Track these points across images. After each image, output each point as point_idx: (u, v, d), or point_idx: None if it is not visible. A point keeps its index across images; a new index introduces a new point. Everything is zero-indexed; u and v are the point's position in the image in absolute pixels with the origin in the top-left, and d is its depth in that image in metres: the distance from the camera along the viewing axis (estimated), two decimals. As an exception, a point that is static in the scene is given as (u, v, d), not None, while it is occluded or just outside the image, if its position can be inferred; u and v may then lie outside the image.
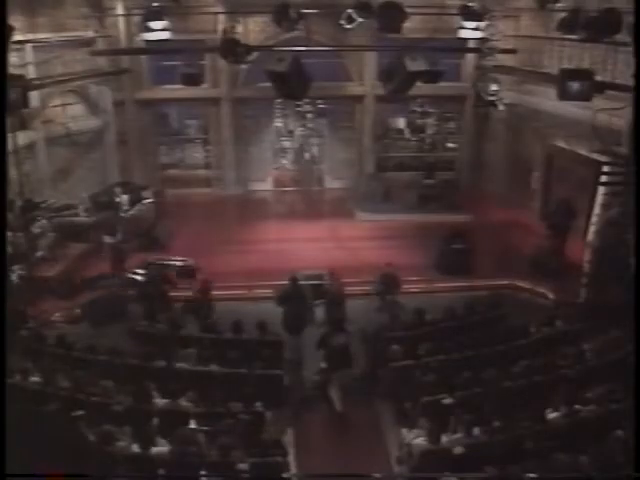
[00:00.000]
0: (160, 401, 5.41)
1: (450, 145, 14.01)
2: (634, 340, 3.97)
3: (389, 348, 6.26)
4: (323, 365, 6.48)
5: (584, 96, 6.41)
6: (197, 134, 13.70)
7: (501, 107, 8.70)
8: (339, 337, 6.42)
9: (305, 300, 7.23)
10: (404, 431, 5.25)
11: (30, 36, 9.55)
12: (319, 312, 7.53)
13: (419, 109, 13.70)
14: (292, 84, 6.47)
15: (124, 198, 10.73)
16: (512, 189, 11.90)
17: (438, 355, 6.06)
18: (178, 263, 8.76)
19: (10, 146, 7.48)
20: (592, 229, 7.76)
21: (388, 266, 8.13)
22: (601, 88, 6.57)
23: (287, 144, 13.75)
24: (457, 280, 8.89)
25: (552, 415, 4.98)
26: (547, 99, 9.13)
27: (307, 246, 10.07)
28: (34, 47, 9.72)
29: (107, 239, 9.25)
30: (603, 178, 7.33)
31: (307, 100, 12.99)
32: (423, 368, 5.88)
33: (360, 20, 7.59)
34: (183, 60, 9.21)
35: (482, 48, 8.74)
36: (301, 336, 6.96)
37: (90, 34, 11.18)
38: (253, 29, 12.20)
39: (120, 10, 11.46)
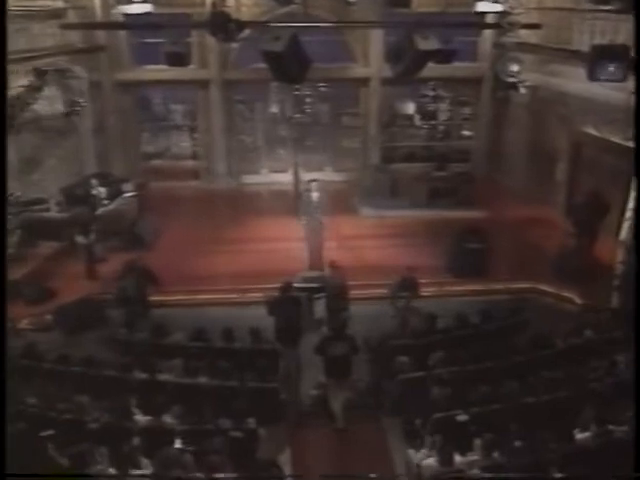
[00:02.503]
0: (141, 418, 5.40)
1: (465, 133, 14.02)
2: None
3: (396, 358, 6.23)
4: (322, 379, 6.50)
5: (618, 76, 6.23)
6: (183, 120, 13.72)
7: (523, 90, 8.67)
8: (340, 344, 6.42)
9: (300, 309, 7.22)
10: (413, 451, 5.25)
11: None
12: (318, 310, 7.52)
13: (431, 93, 13.71)
14: (289, 65, 6.45)
15: (102, 191, 10.71)
16: (534, 182, 11.88)
17: (451, 366, 6.09)
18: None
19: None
20: (625, 226, 7.71)
21: (409, 270, 8.04)
22: (638, 67, 6.37)
23: (284, 132, 13.75)
24: (472, 283, 8.90)
25: (581, 435, 4.96)
26: (575, 80, 9.07)
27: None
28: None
29: (79, 239, 9.21)
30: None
31: (306, 83, 12.96)
32: (434, 381, 5.89)
33: (365, -8, 7.61)
34: (167, 37, 9.14)
35: (501, 23, 8.68)
36: (297, 346, 6.98)
37: (60, 4, 10.93)
38: (246, 2, 12.20)
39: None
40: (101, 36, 12.18)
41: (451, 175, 12.64)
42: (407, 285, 8.02)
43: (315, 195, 8.83)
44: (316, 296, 7.92)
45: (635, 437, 3.69)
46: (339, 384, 6.43)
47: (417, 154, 13.85)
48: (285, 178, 13.72)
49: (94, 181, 10.83)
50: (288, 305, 7.12)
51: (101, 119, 12.56)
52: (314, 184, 8.89)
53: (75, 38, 11.44)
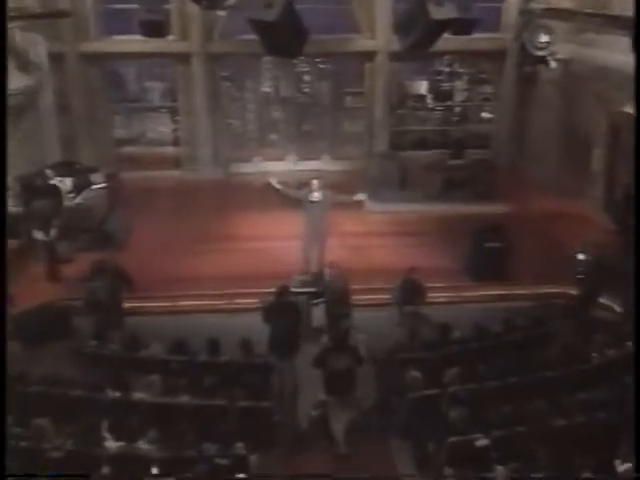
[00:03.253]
0: (112, 444, 5.37)
1: (485, 115, 14.06)
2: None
3: (406, 373, 6.23)
4: (322, 396, 6.51)
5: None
6: (161, 101, 13.75)
7: (553, 64, 8.66)
8: (342, 356, 6.44)
9: (300, 316, 7.23)
10: (425, 480, 5.26)
11: None
12: (317, 317, 7.53)
13: (446, 69, 13.78)
14: (283, 37, 6.42)
15: (67, 182, 10.65)
16: (566, 171, 11.89)
17: (469, 383, 6.07)
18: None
19: None
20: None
21: (411, 271, 8.22)
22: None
23: (278, 114, 13.72)
24: (493, 288, 8.93)
25: (623, 467, 4.86)
26: (615, 52, 8.99)
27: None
28: None
29: (38, 235, 9.16)
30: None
31: (303, 58, 12.96)
32: (450, 399, 5.88)
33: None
34: (142, 3, 9.13)
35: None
36: (295, 359, 7.00)
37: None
38: (233, -37, 12.25)
39: None
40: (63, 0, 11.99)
41: (469, 163, 12.69)
42: (410, 289, 8.10)
43: (316, 195, 8.81)
44: (314, 301, 7.92)
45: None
46: (341, 402, 6.43)
47: (430, 140, 13.90)
48: (279, 167, 13.78)
49: (57, 170, 10.75)
50: (286, 311, 7.13)
51: (65, 98, 12.47)
52: (315, 182, 8.84)
53: (32, 1, 11.17)
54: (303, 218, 8.90)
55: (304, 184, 9.14)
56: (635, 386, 4.51)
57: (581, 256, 8.07)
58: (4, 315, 4.08)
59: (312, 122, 13.90)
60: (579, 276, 8.12)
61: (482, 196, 11.78)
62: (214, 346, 6.70)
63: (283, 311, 7.12)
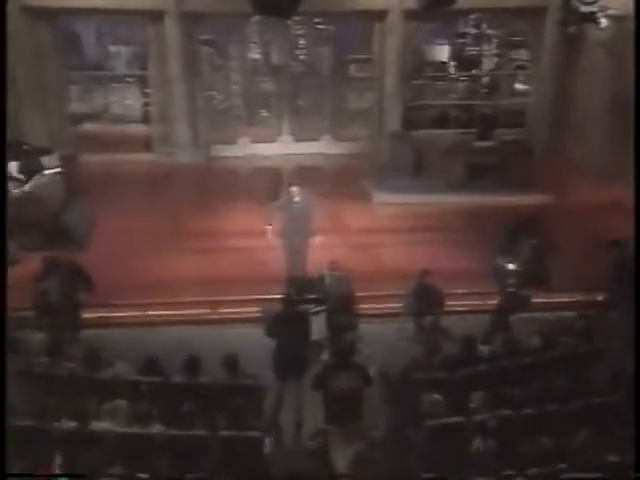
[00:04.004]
0: (69, 483, 5.36)
1: (519, 87, 14.08)
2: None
3: (424, 397, 6.23)
4: (322, 425, 6.51)
5: None
6: (129, 68, 13.75)
7: (604, 22, 8.56)
8: (346, 375, 6.42)
9: (308, 328, 7.26)
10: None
11: None
12: (316, 328, 7.57)
13: (472, 31, 13.77)
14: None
15: (12, 166, 10.64)
16: (616, 154, 11.89)
17: (500, 409, 6.04)
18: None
19: None
20: None
21: (428, 275, 8.27)
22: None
23: (269, 86, 13.72)
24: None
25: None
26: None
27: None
28: None
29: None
30: None
31: (298, 18, 12.93)
32: (476, 429, 5.86)
33: None
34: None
35: None
36: (302, 382, 7.02)
37: None
38: None
39: None
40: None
41: (499, 145, 12.73)
42: (426, 295, 8.15)
43: (298, 204, 8.86)
44: (313, 310, 7.95)
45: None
46: (345, 432, 6.42)
47: (452, 116, 14.00)
48: (270, 150, 13.77)
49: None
50: (294, 323, 7.12)
51: (7, 63, 12.34)
52: (295, 189, 8.88)
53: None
54: (283, 218, 8.99)
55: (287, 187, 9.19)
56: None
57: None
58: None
59: (310, 96, 13.97)
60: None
61: (515, 184, 11.81)
62: (193, 364, 6.65)
63: (291, 323, 7.12)
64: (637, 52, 6.34)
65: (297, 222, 8.89)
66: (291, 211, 8.91)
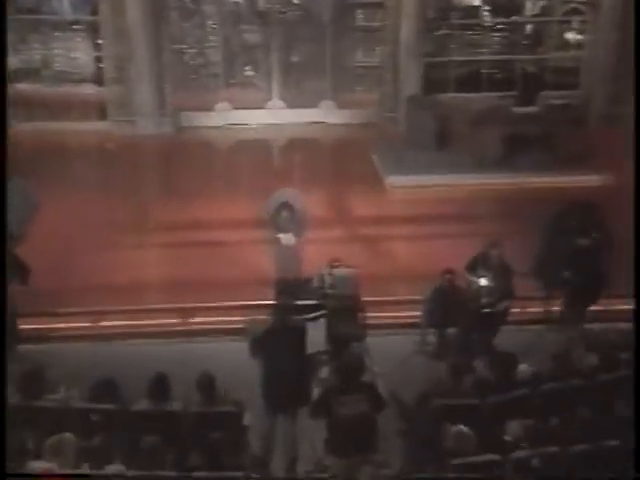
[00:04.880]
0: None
1: (572, 37, 13.93)
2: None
3: (448, 428, 6.23)
4: (323, 459, 6.50)
5: None
6: (76, 13, 13.65)
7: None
8: (351, 398, 6.40)
9: (304, 347, 7.24)
10: None
11: None
12: (313, 338, 7.57)
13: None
14: None
15: None
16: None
17: (544, 444, 5.97)
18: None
19: None
20: None
21: (451, 275, 8.26)
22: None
23: (254, 37, 13.65)
24: (579, 301, 8.80)
25: None
26: None
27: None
28: None
29: None
30: None
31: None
32: (515, 469, 5.80)
33: None
34: None
35: None
36: (296, 414, 7.03)
37: None
38: None
39: None
40: None
41: (544, 112, 12.73)
42: (449, 301, 8.17)
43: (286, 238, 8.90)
44: (310, 316, 7.95)
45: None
46: (350, 467, 6.37)
47: (485, 76, 13.85)
48: (256, 118, 13.72)
49: None
50: (288, 341, 7.04)
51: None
52: (285, 215, 8.91)
53: None
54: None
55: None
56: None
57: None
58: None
59: (306, 50, 13.84)
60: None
61: (564, 161, 11.76)
62: (159, 387, 6.58)
63: (282, 338, 7.05)
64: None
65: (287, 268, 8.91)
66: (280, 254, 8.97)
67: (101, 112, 13.72)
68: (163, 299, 9.11)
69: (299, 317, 7.63)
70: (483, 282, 8.16)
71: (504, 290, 8.22)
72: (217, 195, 11.50)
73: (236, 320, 8.23)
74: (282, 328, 7.10)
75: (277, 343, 7.00)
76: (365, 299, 8.20)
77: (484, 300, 8.15)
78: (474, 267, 8.24)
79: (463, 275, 8.29)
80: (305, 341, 7.28)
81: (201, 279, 9.37)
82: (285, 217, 8.92)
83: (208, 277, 9.39)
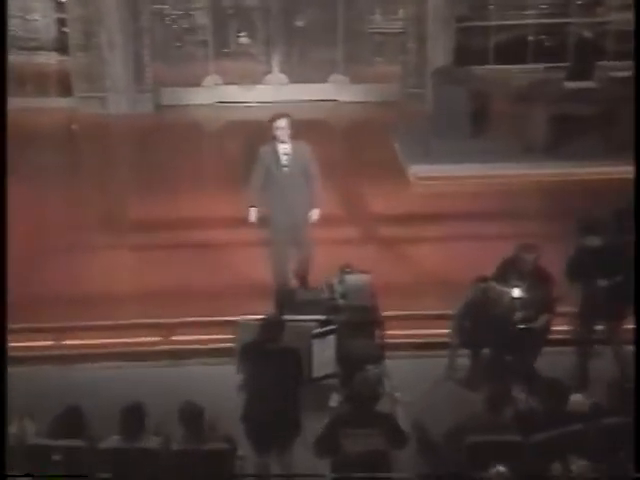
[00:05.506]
0: None
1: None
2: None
3: (486, 469, 6.23)
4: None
5: None
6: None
7: None
8: (366, 433, 6.41)
9: (300, 368, 7.20)
10: None
11: None
12: (321, 358, 7.60)
13: None
14: None
15: None
16: None
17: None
18: None
19: None
20: None
21: (484, 284, 8.22)
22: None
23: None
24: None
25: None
26: None
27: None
28: None
29: None
30: None
31: None
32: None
33: None
34: None
35: None
36: (291, 450, 7.04)
37: None
38: None
39: None
40: None
41: (602, 87, 12.63)
42: (484, 316, 8.12)
43: (287, 152, 8.91)
44: (317, 332, 7.93)
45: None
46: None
47: (530, 43, 13.85)
48: (253, 95, 13.78)
49: None
50: (281, 361, 7.00)
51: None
52: (283, 122, 8.93)
53: None
54: (269, 196, 9.01)
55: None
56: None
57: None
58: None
59: (313, 12, 13.86)
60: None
61: (625, 147, 11.66)
62: (134, 419, 6.59)
63: (276, 360, 6.99)
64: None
65: (289, 200, 8.90)
66: (279, 181, 8.92)
67: (65, 87, 13.77)
68: (140, 312, 9.05)
69: (302, 331, 7.64)
70: (516, 293, 8.11)
71: (542, 302, 8.19)
72: (205, 188, 11.54)
73: (227, 338, 8.19)
74: (277, 346, 7.05)
75: (271, 361, 6.96)
76: (383, 313, 8.17)
77: (519, 314, 8.15)
78: (504, 274, 8.20)
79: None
80: (311, 361, 7.38)
81: (185, 288, 9.36)
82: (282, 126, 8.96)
83: (194, 286, 9.39)
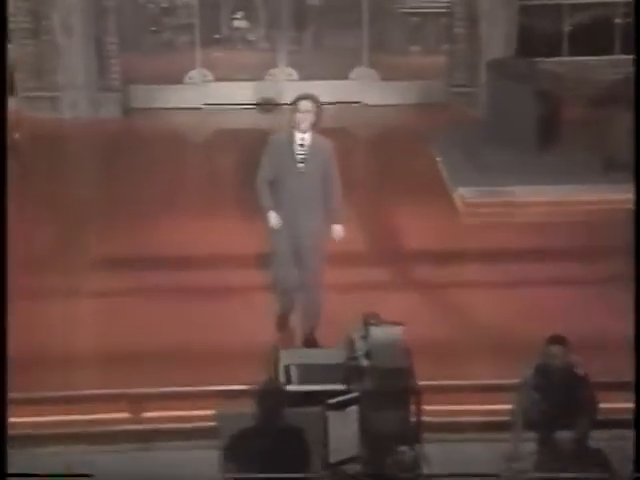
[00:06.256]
0: None
1: None
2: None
3: None
4: None
5: None
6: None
7: None
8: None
9: (308, 458, 7.15)
10: None
11: None
12: (340, 438, 7.62)
13: None
14: None
15: None
16: None
17: None
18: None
19: None
20: None
21: (557, 345, 8.01)
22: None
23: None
24: None
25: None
26: None
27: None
28: None
29: None
30: None
31: None
32: None
33: None
34: None
35: None
36: None
37: None
38: None
39: None
40: None
41: None
42: (556, 388, 7.99)
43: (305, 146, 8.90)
44: (333, 401, 7.76)
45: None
46: None
47: (615, 30, 13.88)
48: (254, 94, 13.89)
49: None
50: (280, 448, 6.99)
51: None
52: (306, 105, 8.93)
53: None
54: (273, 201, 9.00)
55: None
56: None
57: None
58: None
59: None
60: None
61: None
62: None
63: (275, 447, 7.00)
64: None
65: (299, 209, 8.93)
66: (289, 181, 8.94)
67: (9, 84, 13.77)
68: (102, 380, 8.98)
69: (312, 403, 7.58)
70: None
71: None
72: (187, 215, 11.64)
73: (209, 416, 8.00)
74: (269, 431, 7.07)
75: (267, 450, 6.93)
76: (422, 382, 8.00)
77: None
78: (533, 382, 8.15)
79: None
80: (326, 442, 7.43)
81: (162, 348, 9.27)
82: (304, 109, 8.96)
83: (173, 345, 9.29)
